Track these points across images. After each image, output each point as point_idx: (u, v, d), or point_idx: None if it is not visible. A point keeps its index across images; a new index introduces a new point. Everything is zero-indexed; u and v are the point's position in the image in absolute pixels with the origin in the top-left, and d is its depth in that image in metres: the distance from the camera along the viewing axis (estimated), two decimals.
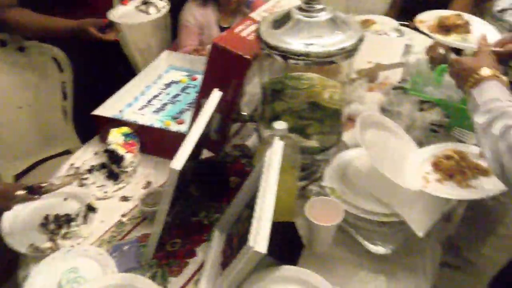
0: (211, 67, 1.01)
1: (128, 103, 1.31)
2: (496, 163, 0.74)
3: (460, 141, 1.16)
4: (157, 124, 1.23)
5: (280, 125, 0.87)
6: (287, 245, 0.90)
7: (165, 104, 1.31)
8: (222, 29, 1.90)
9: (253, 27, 1.04)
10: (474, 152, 0.98)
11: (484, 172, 0.92)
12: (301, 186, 1.05)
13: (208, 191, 1.08)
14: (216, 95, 0.95)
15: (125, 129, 1.18)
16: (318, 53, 0.86)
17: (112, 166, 1.13)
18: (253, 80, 1.11)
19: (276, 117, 0.98)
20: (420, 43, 1.55)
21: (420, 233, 0.90)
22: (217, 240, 0.95)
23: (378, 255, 0.92)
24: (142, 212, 1.02)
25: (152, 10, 1.46)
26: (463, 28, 1.22)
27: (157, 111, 1.29)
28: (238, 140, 1.25)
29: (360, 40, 0.92)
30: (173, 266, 0.92)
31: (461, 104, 1.21)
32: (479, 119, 0.79)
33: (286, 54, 0.87)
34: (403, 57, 1.56)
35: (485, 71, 0.84)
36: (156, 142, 1.18)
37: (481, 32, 1.06)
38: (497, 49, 0.98)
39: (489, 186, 0.89)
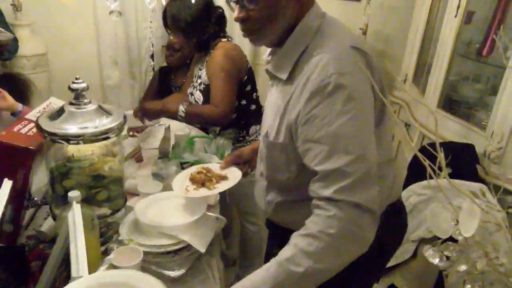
0: None
1: None
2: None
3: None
4: None
5: (74, 193, 1.05)
6: None
7: None
8: None
9: (30, 125, 1.22)
10: (215, 167, 1.37)
11: (224, 178, 1.32)
12: (104, 249, 1.22)
13: (11, 279, 1.13)
14: (7, 185, 1.07)
15: None
16: (92, 133, 1.12)
17: None
18: (38, 170, 1.26)
19: (67, 193, 1.15)
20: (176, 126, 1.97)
21: (202, 250, 1.20)
22: None
23: (178, 278, 1.17)
24: None
25: None
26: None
27: None
28: (32, 230, 1.33)
29: (124, 121, 1.21)
30: None
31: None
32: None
33: (67, 138, 1.09)
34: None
35: None
36: None
37: None
38: None
39: (224, 186, 1.29)
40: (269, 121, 1.10)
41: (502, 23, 1.96)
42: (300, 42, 1.00)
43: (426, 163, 0.75)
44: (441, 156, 0.77)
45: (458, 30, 2.01)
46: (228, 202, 1.98)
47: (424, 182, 1.79)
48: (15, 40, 2.62)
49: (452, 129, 1.99)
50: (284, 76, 1.03)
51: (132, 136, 1.90)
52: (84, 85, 1.16)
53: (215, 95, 1.87)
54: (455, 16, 2.00)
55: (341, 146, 0.87)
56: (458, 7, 1.97)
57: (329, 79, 0.90)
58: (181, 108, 1.87)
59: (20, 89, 2.12)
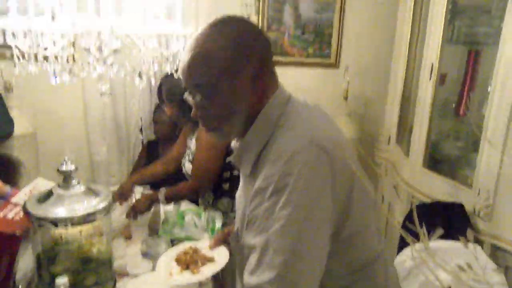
0: None
1: None
2: None
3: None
4: None
5: (62, 279, 1.03)
6: None
7: None
8: None
9: (17, 209, 1.20)
10: (205, 245, 1.34)
11: (211, 259, 1.29)
12: None
13: None
14: None
15: None
16: (81, 216, 1.11)
17: None
18: (23, 255, 1.22)
19: (54, 280, 1.12)
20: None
21: None
22: None
23: None
24: None
25: None
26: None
27: None
28: None
29: (112, 202, 1.21)
30: None
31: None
32: None
33: (55, 222, 1.08)
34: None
35: None
36: None
37: None
38: None
39: (209, 271, 1.25)
40: (239, 219, 1.03)
41: (472, 87, 2.08)
42: (261, 134, 0.92)
43: (410, 239, 0.75)
44: (422, 232, 0.77)
45: (434, 92, 2.10)
46: (222, 278, 1.92)
47: (417, 245, 1.78)
48: (12, 123, 2.64)
49: (439, 188, 2.01)
50: (247, 170, 0.96)
51: (120, 204, 1.87)
52: (72, 167, 1.17)
53: (194, 166, 1.91)
54: (430, 79, 2.10)
55: (268, 257, 0.78)
56: (432, 70, 2.08)
57: (272, 178, 0.82)
58: (161, 197, 1.87)
59: (9, 171, 2.10)
